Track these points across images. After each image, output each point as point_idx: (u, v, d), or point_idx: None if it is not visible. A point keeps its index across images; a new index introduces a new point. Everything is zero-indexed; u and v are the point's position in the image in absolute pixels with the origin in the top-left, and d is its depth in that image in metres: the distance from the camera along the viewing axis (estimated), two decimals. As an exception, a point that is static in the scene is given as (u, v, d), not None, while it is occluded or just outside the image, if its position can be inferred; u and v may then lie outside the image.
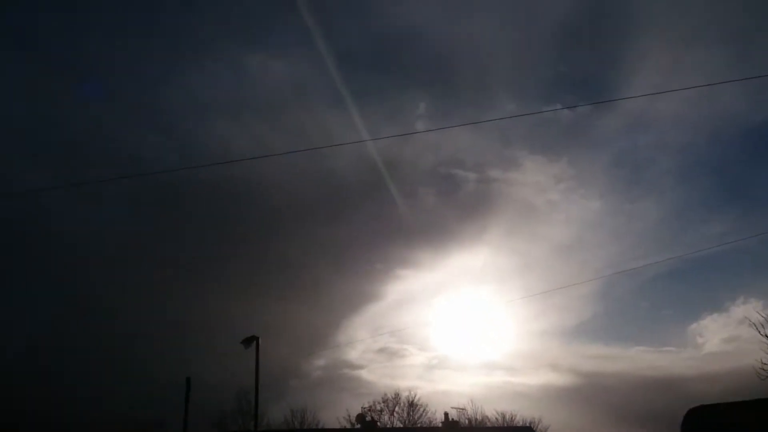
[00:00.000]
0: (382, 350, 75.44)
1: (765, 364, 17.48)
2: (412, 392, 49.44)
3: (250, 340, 25.76)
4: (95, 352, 48.21)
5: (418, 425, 47.29)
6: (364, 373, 71.66)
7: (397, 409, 49.11)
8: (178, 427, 31.07)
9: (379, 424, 46.99)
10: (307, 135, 65.68)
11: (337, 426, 45.39)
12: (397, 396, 49.27)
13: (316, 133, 65.97)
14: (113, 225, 62.42)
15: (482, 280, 66.52)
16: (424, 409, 48.52)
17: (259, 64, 68.94)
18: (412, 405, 48.91)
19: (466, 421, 46.62)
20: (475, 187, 70.20)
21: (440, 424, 42.99)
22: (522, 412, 48.06)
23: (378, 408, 48.67)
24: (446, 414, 41.94)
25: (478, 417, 47.65)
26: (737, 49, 61.25)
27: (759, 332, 18.01)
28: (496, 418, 47.96)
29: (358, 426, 39.91)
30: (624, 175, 75.11)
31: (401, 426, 46.92)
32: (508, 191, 69.24)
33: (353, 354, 73.65)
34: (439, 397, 76.32)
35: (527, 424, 46.18)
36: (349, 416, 45.16)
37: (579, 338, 78.88)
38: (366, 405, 47.36)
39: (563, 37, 69.82)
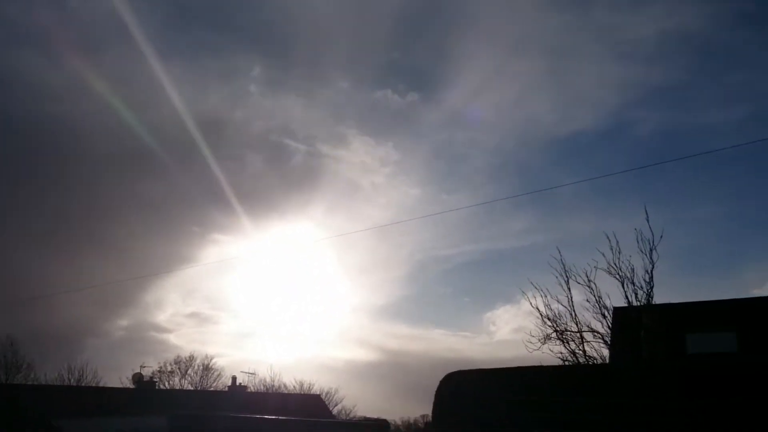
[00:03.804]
0: (193, 315, 71.37)
1: (532, 336, 18.12)
2: (208, 356, 46.75)
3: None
4: None
5: (211, 389, 44.58)
6: (171, 337, 67.23)
7: (190, 371, 45.98)
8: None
9: (166, 385, 43.55)
10: (130, 82, 59.01)
11: (118, 385, 41.06)
12: (190, 358, 46.16)
13: (140, 82, 59.55)
14: None
15: (301, 253, 65.04)
16: (220, 374, 46.09)
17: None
18: (207, 369, 46.12)
19: (263, 387, 44.67)
20: (304, 159, 68.06)
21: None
22: (321, 383, 47.39)
23: (168, 369, 45.30)
24: (234, 378, 39.57)
25: (276, 384, 45.88)
26: (551, 64, 64.65)
27: (540, 316, 18.14)
28: (294, 386, 46.69)
29: (133, 386, 36.06)
30: (442, 167, 77.06)
31: (191, 389, 43.76)
32: (335, 168, 67.81)
33: (161, 317, 68.87)
34: (248, 365, 74.04)
35: (320, 394, 45.30)
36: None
37: (387, 317, 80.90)
38: (156, 365, 43.87)
39: (398, 25, 69.35)
